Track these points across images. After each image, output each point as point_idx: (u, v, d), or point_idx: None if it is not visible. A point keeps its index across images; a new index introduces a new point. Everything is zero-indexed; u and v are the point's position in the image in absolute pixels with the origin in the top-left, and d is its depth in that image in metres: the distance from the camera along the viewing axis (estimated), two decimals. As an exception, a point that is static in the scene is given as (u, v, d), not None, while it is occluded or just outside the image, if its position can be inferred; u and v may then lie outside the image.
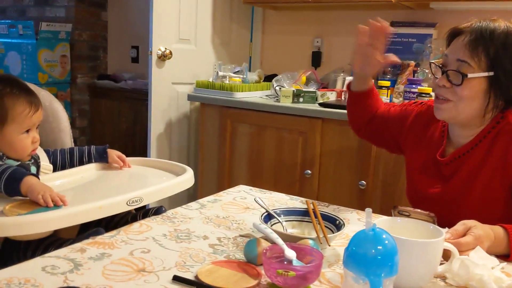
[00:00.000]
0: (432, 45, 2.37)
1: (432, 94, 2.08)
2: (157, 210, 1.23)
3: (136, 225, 1.10)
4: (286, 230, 1.09)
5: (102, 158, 1.44)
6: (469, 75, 1.11)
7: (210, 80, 2.71)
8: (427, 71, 2.37)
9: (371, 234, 0.72)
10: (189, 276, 0.86)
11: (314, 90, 2.48)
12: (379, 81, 2.34)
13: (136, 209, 1.26)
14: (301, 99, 2.41)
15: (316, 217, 1.09)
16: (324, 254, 0.90)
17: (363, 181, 2.20)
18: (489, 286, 0.84)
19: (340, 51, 2.89)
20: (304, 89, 2.47)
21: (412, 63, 2.41)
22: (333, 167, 2.31)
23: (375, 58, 1.28)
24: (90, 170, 1.41)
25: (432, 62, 1.20)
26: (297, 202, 1.34)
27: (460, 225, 0.97)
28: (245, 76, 2.71)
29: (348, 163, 2.26)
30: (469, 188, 1.17)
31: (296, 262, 0.86)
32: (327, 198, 2.16)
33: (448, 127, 1.26)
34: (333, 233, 1.04)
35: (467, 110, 1.14)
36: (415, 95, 2.13)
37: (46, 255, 0.92)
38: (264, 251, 0.86)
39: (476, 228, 0.96)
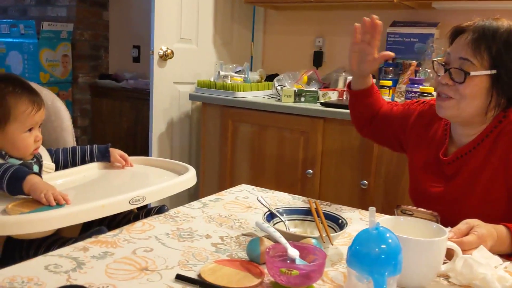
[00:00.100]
0: (434, 45, 2.37)
1: (434, 93, 2.07)
2: (160, 209, 1.24)
3: (138, 224, 1.10)
4: (288, 229, 1.08)
5: (104, 157, 1.44)
6: (472, 73, 1.11)
7: (212, 79, 2.71)
8: (428, 70, 2.36)
9: (374, 233, 0.72)
10: (192, 275, 0.86)
11: (315, 89, 2.48)
12: (380, 81, 2.34)
13: (138, 208, 1.26)
14: (302, 99, 2.41)
15: (318, 216, 1.09)
16: (327, 253, 0.90)
17: (365, 181, 2.20)
18: (492, 285, 0.83)
19: (342, 50, 2.89)
20: (305, 89, 2.47)
21: (414, 62, 2.41)
22: (335, 166, 2.31)
23: (370, 54, 1.31)
24: (92, 169, 1.41)
25: (435, 60, 1.20)
26: (299, 202, 1.34)
27: (463, 224, 0.97)
28: (246, 76, 2.71)
29: (349, 163, 2.26)
30: (471, 187, 1.16)
31: (299, 261, 0.86)
32: (328, 198, 2.16)
33: (450, 126, 1.26)
34: (336, 232, 1.04)
35: (469, 108, 1.14)
36: (416, 95, 2.12)
37: (49, 253, 0.92)
38: (267, 250, 0.86)
39: (479, 227, 0.96)
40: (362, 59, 1.33)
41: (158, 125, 2.71)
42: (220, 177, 2.67)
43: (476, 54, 1.11)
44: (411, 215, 0.99)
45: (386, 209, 1.27)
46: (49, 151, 1.40)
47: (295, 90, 2.42)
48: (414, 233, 0.88)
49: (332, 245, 1.01)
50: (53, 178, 1.28)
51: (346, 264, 0.76)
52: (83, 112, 3.88)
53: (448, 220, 1.00)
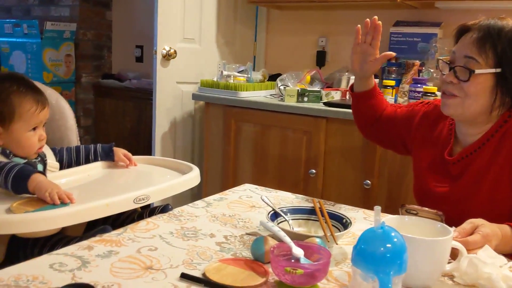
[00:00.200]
0: (437, 45, 2.37)
1: (438, 93, 2.07)
2: (164, 209, 1.24)
3: (143, 223, 1.11)
4: (292, 228, 1.08)
5: (108, 156, 1.44)
6: (476, 71, 1.11)
7: (215, 79, 2.71)
8: (432, 70, 2.36)
9: (380, 232, 0.71)
10: (197, 273, 0.86)
11: (318, 89, 2.48)
12: (384, 81, 2.34)
13: (142, 208, 1.27)
14: (305, 99, 2.41)
15: (322, 215, 1.09)
16: (331, 253, 0.90)
17: (368, 181, 2.20)
18: (497, 285, 0.83)
19: (345, 50, 2.88)
20: (308, 89, 2.47)
21: (417, 62, 2.41)
22: (338, 166, 2.30)
23: (372, 55, 1.34)
24: (96, 168, 1.41)
25: (440, 59, 1.20)
26: (303, 201, 1.34)
27: (468, 224, 0.97)
28: (249, 76, 2.71)
29: (352, 163, 2.26)
30: (477, 187, 1.16)
31: (303, 260, 0.86)
32: (331, 198, 2.16)
33: (455, 126, 1.26)
34: (340, 231, 1.04)
35: (473, 107, 1.14)
36: (420, 95, 2.12)
37: (54, 252, 0.93)
38: (272, 249, 0.86)
39: (484, 226, 0.96)
40: (364, 60, 1.36)
41: (161, 124, 2.71)
42: (223, 176, 2.67)
43: (481, 53, 1.11)
44: (415, 214, 0.99)
45: (390, 209, 1.26)
46: (53, 150, 1.40)
47: (298, 90, 2.42)
48: (418, 233, 0.87)
49: (337, 244, 1.01)
50: (57, 177, 1.29)
51: (350, 263, 0.76)
52: (86, 112, 3.88)
53: (453, 220, 1.00)
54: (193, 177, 1.31)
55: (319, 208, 1.12)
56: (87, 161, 1.43)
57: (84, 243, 0.98)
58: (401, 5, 2.50)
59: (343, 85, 2.60)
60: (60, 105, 1.57)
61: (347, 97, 2.48)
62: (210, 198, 1.32)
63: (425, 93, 2.08)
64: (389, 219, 0.92)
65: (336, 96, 2.49)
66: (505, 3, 2.27)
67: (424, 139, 1.32)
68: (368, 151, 2.19)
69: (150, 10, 2.80)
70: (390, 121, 1.44)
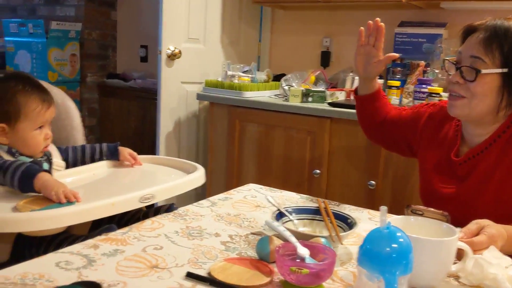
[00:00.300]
0: (443, 45, 2.36)
1: (443, 94, 2.07)
2: (169, 208, 1.24)
3: (148, 222, 1.11)
4: (297, 228, 1.08)
5: (113, 155, 1.45)
6: (483, 71, 1.11)
7: (219, 79, 2.71)
8: (437, 71, 2.36)
9: (386, 232, 0.71)
10: (202, 272, 0.86)
11: (323, 89, 2.48)
12: (388, 81, 2.33)
13: (147, 207, 1.27)
14: (310, 99, 2.40)
15: (327, 215, 1.09)
16: (336, 253, 0.90)
17: (373, 181, 2.20)
18: (503, 286, 0.83)
19: (349, 51, 2.88)
20: (313, 89, 2.47)
21: (422, 63, 2.40)
22: (342, 166, 2.30)
23: (376, 57, 1.35)
24: (101, 167, 1.42)
25: (446, 59, 1.20)
26: (307, 201, 1.34)
27: (473, 224, 0.97)
28: (254, 76, 2.71)
29: (357, 163, 2.26)
30: (483, 187, 1.16)
31: (309, 260, 0.86)
32: (335, 198, 2.15)
33: (462, 127, 1.26)
34: (345, 231, 1.04)
35: (480, 107, 1.14)
36: (425, 95, 2.12)
37: (60, 250, 0.93)
38: (277, 248, 0.86)
39: (490, 227, 0.95)
40: (368, 61, 1.36)
41: (165, 124, 2.72)
42: (227, 176, 2.67)
43: (487, 53, 1.11)
44: (421, 215, 0.99)
45: (394, 209, 1.26)
46: (60, 149, 1.41)
47: (302, 90, 2.42)
48: (424, 233, 0.87)
49: (342, 244, 1.01)
50: (63, 176, 1.29)
51: (356, 263, 0.76)
52: (91, 112, 3.90)
53: (459, 220, 1.00)
54: (198, 176, 1.31)
55: (324, 208, 1.12)
56: (93, 160, 1.43)
57: (90, 241, 0.98)
58: (406, 5, 2.50)
59: (348, 85, 2.60)
60: (66, 104, 1.57)
61: (352, 97, 2.48)
62: (215, 198, 1.32)
63: (430, 94, 2.08)
64: (394, 220, 0.92)
65: (340, 96, 2.49)
66: (511, 3, 2.26)
67: (430, 140, 1.32)
68: (372, 152, 2.19)
69: (155, 10, 2.81)
70: (395, 123, 1.44)
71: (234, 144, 2.61)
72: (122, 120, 3.76)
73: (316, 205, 1.15)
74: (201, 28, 2.83)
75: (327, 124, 2.30)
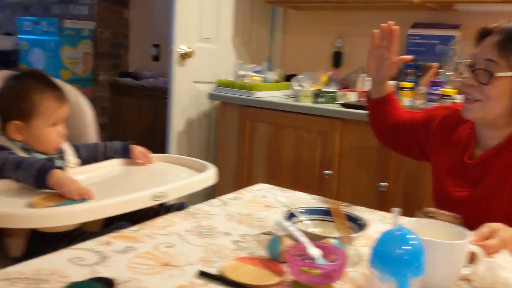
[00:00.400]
0: (456, 47, 2.35)
1: (456, 96, 2.05)
2: (180, 206, 1.25)
3: (159, 220, 1.12)
4: (308, 229, 1.08)
5: (125, 153, 1.45)
6: (497, 74, 1.11)
7: (231, 79, 2.72)
8: (450, 73, 2.34)
9: (398, 234, 0.71)
10: (213, 271, 0.87)
11: (334, 90, 2.48)
12: (401, 83, 2.32)
13: (158, 205, 1.28)
14: (321, 99, 2.40)
15: (338, 216, 1.09)
16: (347, 254, 0.90)
17: (383, 183, 2.19)
18: (515, 290, 0.83)
19: (361, 51, 2.85)
20: (324, 89, 2.47)
21: (435, 64, 2.39)
22: (352, 168, 2.30)
23: (388, 59, 1.34)
24: (114, 165, 1.43)
25: (460, 62, 1.20)
26: (318, 202, 1.34)
27: (486, 228, 0.96)
28: (265, 76, 2.72)
29: (367, 164, 2.25)
30: (497, 191, 1.15)
31: (320, 260, 0.86)
32: (345, 199, 2.14)
33: (476, 129, 1.25)
34: (356, 233, 1.04)
35: (494, 110, 1.13)
36: (437, 97, 2.11)
37: (73, 247, 0.94)
38: (288, 248, 0.86)
39: (502, 231, 0.95)
40: (380, 63, 1.36)
41: (176, 123, 2.73)
42: (236, 176, 2.68)
43: (502, 56, 1.11)
44: (433, 217, 0.99)
45: (405, 211, 1.26)
46: (74, 146, 1.42)
47: (313, 91, 2.42)
48: (436, 236, 0.87)
49: (353, 245, 1.01)
50: (76, 173, 1.30)
51: (366, 264, 0.76)
52: (102, 110, 3.92)
53: (473, 224, 0.99)
54: (210, 175, 1.32)
55: (335, 209, 1.12)
56: (105, 158, 1.44)
57: (103, 238, 0.99)
58: (419, 6, 2.48)
59: (359, 86, 2.60)
60: (80, 102, 1.59)
61: (363, 98, 2.47)
62: (225, 197, 1.33)
63: (443, 96, 2.07)
64: (407, 222, 0.91)
65: (352, 97, 2.48)
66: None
67: (443, 143, 1.32)
68: (383, 153, 2.18)
69: (167, 10, 2.82)
70: (406, 126, 1.44)
71: (245, 144, 2.61)
72: (134, 119, 3.79)
73: (327, 206, 1.15)
74: (213, 28, 2.84)
75: (338, 124, 2.30)
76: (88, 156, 1.43)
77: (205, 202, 1.27)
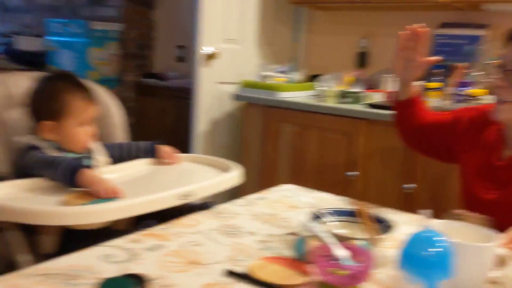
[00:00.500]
0: (484, 47, 2.31)
1: (484, 97, 2.02)
2: (206, 206, 1.26)
3: (186, 219, 1.13)
4: (334, 230, 1.08)
5: (152, 153, 1.48)
6: None
7: (255, 80, 2.73)
8: (477, 73, 2.30)
9: (427, 235, 0.71)
10: (239, 270, 0.87)
11: (359, 90, 2.46)
12: (428, 83, 2.29)
13: (183, 204, 1.29)
14: (346, 100, 2.39)
15: (365, 218, 1.09)
16: (373, 255, 0.89)
17: (409, 184, 2.17)
18: (546, 294, 0.81)
19: (387, 52, 2.83)
20: (349, 90, 2.46)
21: (462, 65, 2.35)
22: (377, 169, 2.28)
23: (416, 61, 1.33)
24: (142, 165, 1.45)
25: (490, 63, 1.18)
26: (344, 203, 1.34)
27: (515, 231, 0.95)
28: (289, 76, 2.72)
29: (393, 165, 2.23)
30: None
31: (347, 261, 0.86)
32: (370, 201, 2.12)
33: (505, 130, 1.23)
34: (383, 234, 1.03)
35: None
36: (465, 98, 2.08)
37: (103, 244, 0.96)
38: (315, 249, 0.87)
39: (533, 234, 0.93)
40: (407, 65, 1.35)
41: (201, 124, 2.75)
42: (260, 176, 2.68)
43: None
44: (461, 219, 0.98)
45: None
46: (106, 146, 1.45)
47: (338, 91, 2.41)
48: (464, 238, 0.86)
49: (379, 247, 1.00)
50: (105, 173, 1.33)
51: (393, 266, 0.76)
52: (128, 110, 3.96)
53: (502, 226, 0.98)
54: (236, 175, 1.33)
55: (361, 210, 1.12)
56: (133, 157, 1.47)
57: (132, 236, 1.01)
58: (446, 6, 2.45)
59: (385, 87, 2.57)
60: (108, 102, 1.62)
61: (388, 99, 2.45)
62: (250, 197, 1.34)
63: (470, 97, 2.04)
64: (435, 224, 0.91)
65: (377, 97, 2.46)
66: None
67: (471, 144, 1.30)
68: (409, 154, 2.16)
69: (192, 11, 2.85)
70: (433, 128, 1.42)
71: (269, 145, 2.62)
72: (158, 119, 3.83)
73: (353, 207, 1.15)
74: (237, 29, 2.85)
75: (362, 125, 2.28)
76: (116, 155, 1.46)
77: (230, 202, 1.28)
